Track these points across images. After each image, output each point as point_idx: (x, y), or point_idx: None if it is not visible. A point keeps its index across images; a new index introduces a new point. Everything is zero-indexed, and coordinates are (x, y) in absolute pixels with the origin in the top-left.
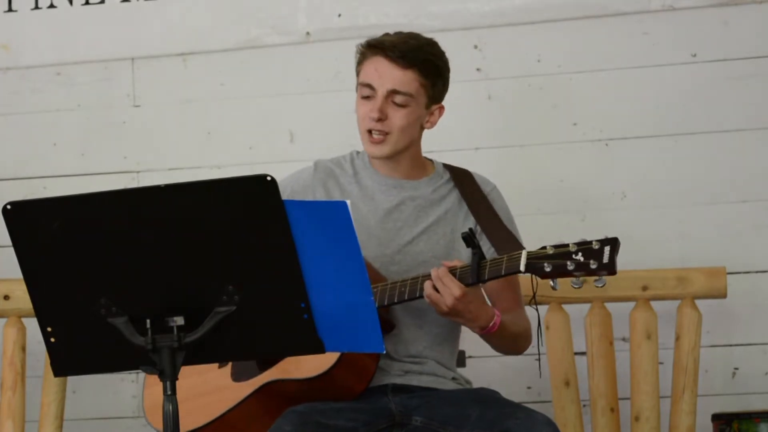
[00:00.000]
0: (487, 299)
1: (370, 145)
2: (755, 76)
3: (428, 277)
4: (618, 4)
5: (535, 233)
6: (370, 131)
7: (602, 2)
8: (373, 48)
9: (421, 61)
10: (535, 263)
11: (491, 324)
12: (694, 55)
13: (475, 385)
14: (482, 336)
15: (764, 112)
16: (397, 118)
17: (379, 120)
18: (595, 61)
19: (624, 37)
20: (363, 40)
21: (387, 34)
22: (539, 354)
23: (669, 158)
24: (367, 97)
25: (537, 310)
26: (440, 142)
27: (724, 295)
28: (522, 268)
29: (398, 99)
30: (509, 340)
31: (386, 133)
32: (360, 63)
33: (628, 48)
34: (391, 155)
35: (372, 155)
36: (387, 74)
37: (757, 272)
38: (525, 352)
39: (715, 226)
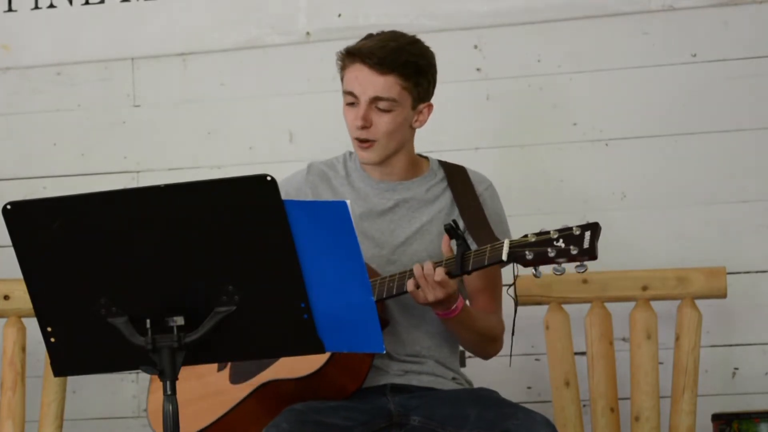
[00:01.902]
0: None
1: (360, 151)
2: (755, 76)
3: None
4: (618, 4)
5: None
6: (358, 138)
7: (602, 2)
8: (352, 55)
9: (401, 64)
10: (517, 252)
11: (453, 307)
12: (694, 55)
13: (475, 385)
14: (443, 320)
15: (764, 112)
16: (383, 123)
17: (364, 128)
18: (595, 61)
19: (624, 37)
20: (343, 47)
21: (369, 36)
22: (512, 342)
23: (669, 158)
24: (351, 104)
25: (516, 300)
26: (440, 142)
27: (724, 295)
28: (504, 257)
29: (382, 105)
30: (473, 334)
31: (373, 141)
32: (342, 70)
33: (628, 48)
34: (381, 161)
35: (363, 161)
36: (367, 82)
37: (757, 272)
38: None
39: (715, 226)
